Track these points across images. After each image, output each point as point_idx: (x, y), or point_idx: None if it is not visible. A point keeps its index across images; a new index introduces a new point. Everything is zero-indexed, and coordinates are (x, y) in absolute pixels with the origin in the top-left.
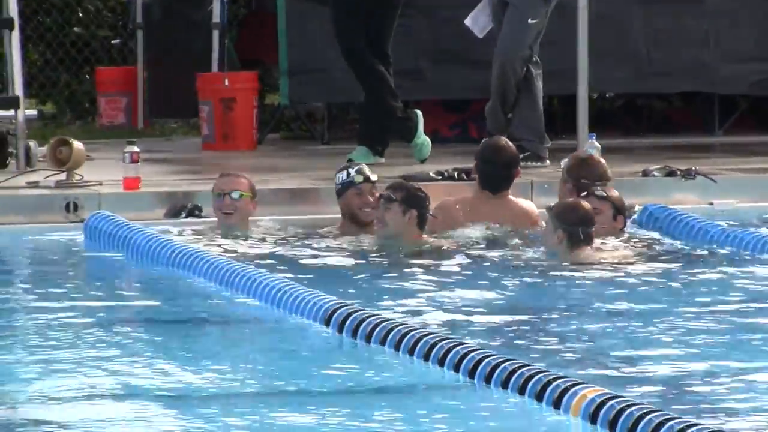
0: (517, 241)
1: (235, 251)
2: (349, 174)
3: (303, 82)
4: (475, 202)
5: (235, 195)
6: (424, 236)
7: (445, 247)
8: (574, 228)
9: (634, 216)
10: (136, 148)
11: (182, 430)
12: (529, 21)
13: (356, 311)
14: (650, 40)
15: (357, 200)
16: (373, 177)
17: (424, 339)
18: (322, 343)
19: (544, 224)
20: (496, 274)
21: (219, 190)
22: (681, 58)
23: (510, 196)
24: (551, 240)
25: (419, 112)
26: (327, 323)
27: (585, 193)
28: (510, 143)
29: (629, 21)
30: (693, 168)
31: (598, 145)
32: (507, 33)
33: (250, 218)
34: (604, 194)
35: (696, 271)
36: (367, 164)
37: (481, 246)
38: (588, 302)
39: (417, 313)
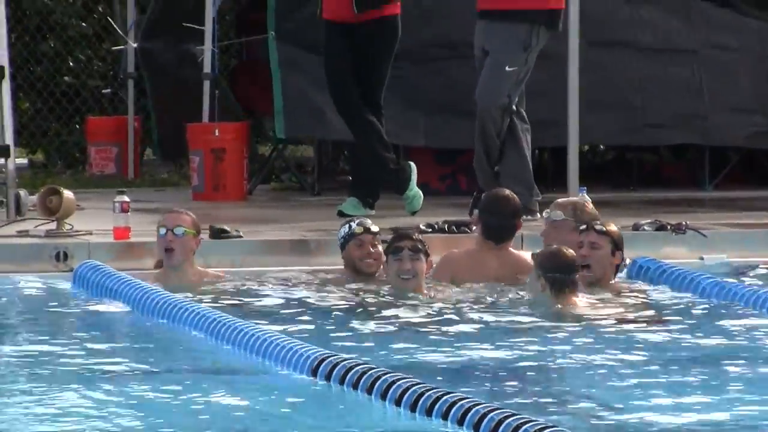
0: (514, 294)
1: (226, 303)
2: (350, 227)
3: (298, 116)
4: (480, 254)
5: (178, 231)
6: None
7: (447, 299)
8: (557, 275)
9: (624, 269)
10: (126, 198)
11: None
12: (507, 68)
13: (343, 361)
14: (642, 90)
15: (358, 252)
16: (374, 228)
17: (412, 389)
18: (311, 394)
19: None
20: (493, 329)
21: (162, 226)
22: (673, 109)
23: (511, 248)
24: (535, 288)
25: (413, 165)
26: (314, 374)
27: (584, 227)
28: (512, 194)
29: (621, 70)
30: (683, 222)
31: (589, 199)
32: (484, 81)
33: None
34: (604, 229)
35: (687, 322)
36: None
37: (482, 299)
38: (574, 354)
39: (411, 364)
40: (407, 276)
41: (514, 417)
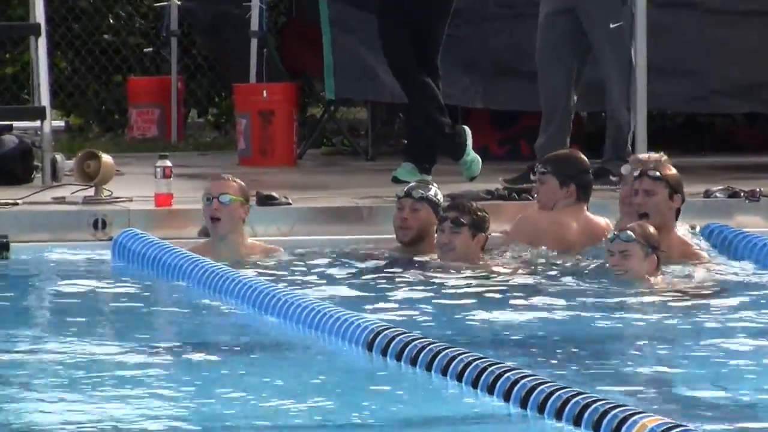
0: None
1: (271, 272)
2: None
3: (349, 78)
4: (561, 216)
5: (224, 199)
6: (486, 259)
7: (511, 270)
8: (660, 251)
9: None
10: (168, 163)
11: None
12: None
13: (401, 334)
14: (708, 55)
15: (395, 217)
16: (418, 193)
17: (474, 363)
18: (365, 369)
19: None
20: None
21: (207, 193)
22: (742, 75)
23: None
24: (642, 267)
25: (467, 129)
26: (370, 348)
27: (638, 172)
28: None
29: (686, 33)
30: (758, 189)
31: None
32: (613, 77)
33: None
34: (658, 174)
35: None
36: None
37: (555, 267)
38: (671, 330)
39: (473, 338)
40: (445, 249)
41: (583, 395)
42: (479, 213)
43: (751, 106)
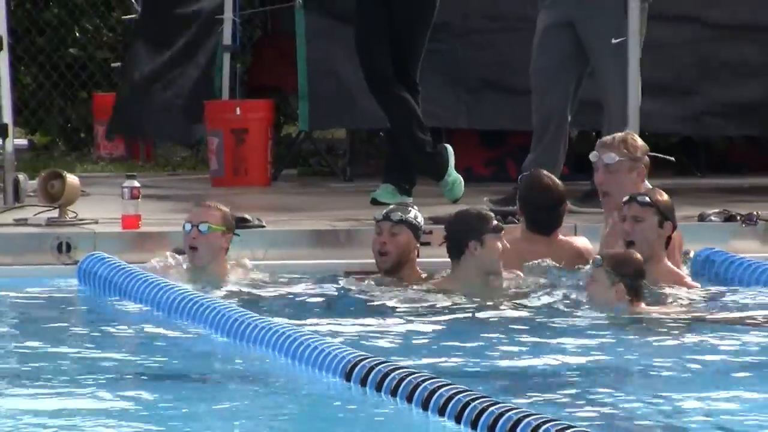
0: (569, 288)
1: (245, 298)
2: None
3: (324, 106)
4: (528, 244)
5: (203, 228)
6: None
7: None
8: (637, 282)
9: (688, 261)
10: (136, 183)
11: None
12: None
13: (380, 364)
14: (707, 72)
15: (374, 241)
16: (397, 216)
17: (457, 398)
18: (342, 399)
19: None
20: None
21: (187, 221)
22: (741, 95)
23: (560, 236)
24: (607, 295)
25: (450, 148)
26: (348, 378)
27: (626, 198)
28: (553, 178)
29: (684, 53)
30: (755, 213)
31: (650, 186)
32: (614, 96)
33: (237, 261)
34: (648, 199)
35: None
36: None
37: (535, 291)
38: (648, 361)
39: (451, 365)
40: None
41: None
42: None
43: (745, 129)
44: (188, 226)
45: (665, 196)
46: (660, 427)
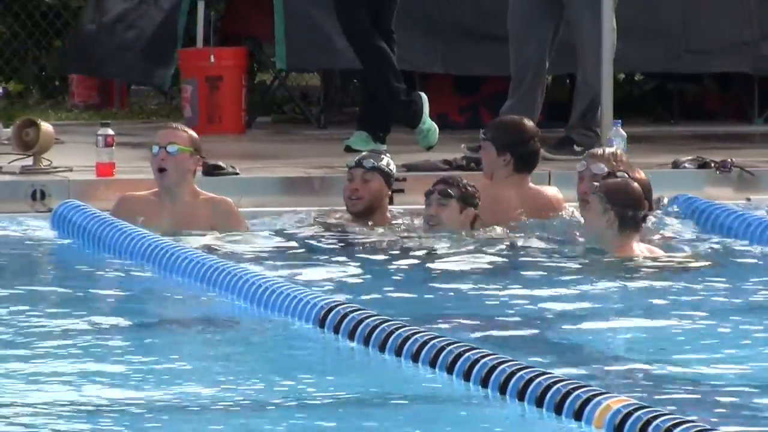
0: (548, 234)
1: (221, 248)
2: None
3: (301, 46)
4: (500, 189)
5: (171, 149)
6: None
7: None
8: (628, 212)
9: (663, 209)
10: (110, 131)
11: None
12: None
13: (355, 311)
14: (684, 12)
15: (346, 187)
16: (369, 163)
17: (431, 343)
18: (317, 348)
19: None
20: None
21: (155, 143)
22: (719, 34)
23: (531, 184)
24: (598, 223)
25: (424, 96)
26: (321, 325)
27: (606, 173)
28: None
29: None
30: (729, 160)
31: (624, 134)
32: (589, 44)
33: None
34: (626, 176)
35: (736, 267)
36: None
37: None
38: (630, 303)
39: (431, 314)
40: (432, 222)
41: (545, 376)
42: (468, 187)
43: (729, 65)
44: (156, 148)
45: (643, 175)
46: (638, 371)
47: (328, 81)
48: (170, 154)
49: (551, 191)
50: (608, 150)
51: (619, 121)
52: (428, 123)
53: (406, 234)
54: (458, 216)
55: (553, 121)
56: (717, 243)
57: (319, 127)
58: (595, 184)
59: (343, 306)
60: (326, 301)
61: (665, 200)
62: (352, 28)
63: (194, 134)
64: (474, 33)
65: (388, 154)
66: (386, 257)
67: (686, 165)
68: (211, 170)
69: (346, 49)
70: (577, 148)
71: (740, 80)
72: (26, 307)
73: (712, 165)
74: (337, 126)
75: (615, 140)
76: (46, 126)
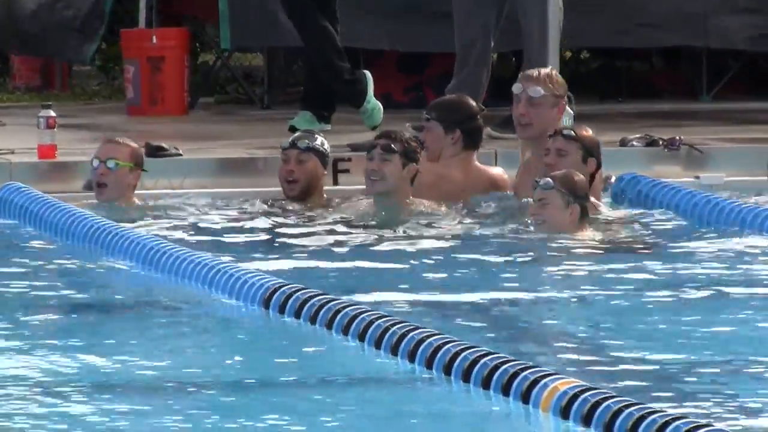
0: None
1: (162, 227)
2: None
3: (246, 24)
4: (444, 168)
5: (111, 164)
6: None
7: (444, 214)
8: (585, 201)
9: (609, 188)
10: (52, 113)
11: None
12: None
13: (298, 291)
14: None
15: (281, 170)
16: (305, 144)
17: (376, 323)
18: (263, 328)
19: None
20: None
21: (95, 157)
22: (669, 7)
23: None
24: (561, 218)
25: (369, 74)
26: (266, 305)
27: (552, 132)
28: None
29: None
30: (677, 137)
31: (572, 112)
32: (535, 21)
33: (137, 192)
34: (572, 134)
35: (681, 247)
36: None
37: (472, 216)
38: (575, 286)
39: (377, 295)
40: (373, 177)
41: (492, 356)
42: (411, 142)
43: (679, 39)
44: (96, 162)
45: (591, 133)
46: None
47: (271, 61)
48: (110, 170)
49: (496, 171)
50: (543, 71)
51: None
52: (373, 102)
53: (343, 215)
54: (400, 171)
55: (499, 100)
56: (663, 222)
57: (262, 108)
58: (547, 179)
59: (287, 287)
60: (271, 282)
61: (612, 179)
62: (294, 6)
63: (136, 147)
64: (421, 9)
65: (321, 134)
66: (325, 240)
67: (634, 143)
68: (154, 151)
69: (292, 28)
70: None
71: (688, 57)
72: None
73: (661, 143)
74: (281, 106)
75: (563, 118)
76: None
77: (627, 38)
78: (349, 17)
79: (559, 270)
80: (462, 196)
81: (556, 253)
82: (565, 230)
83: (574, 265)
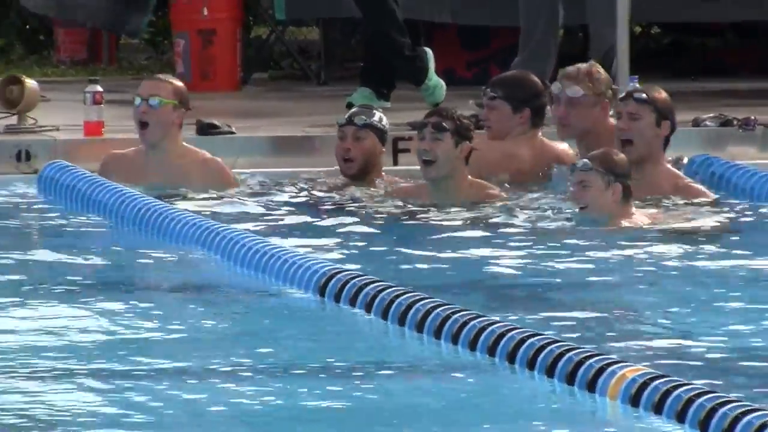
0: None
1: (214, 209)
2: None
3: None
4: (512, 145)
5: (153, 102)
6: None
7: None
8: (627, 179)
9: (682, 169)
10: (99, 88)
11: (167, 413)
12: None
13: (355, 277)
14: None
15: (338, 147)
16: (361, 120)
17: (435, 311)
18: (317, 315)
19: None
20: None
21: (137, 95)
22: None
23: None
24: (603, 200)
25: (429, 51)
26: (322, 293)
27: (623, 95)
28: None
29: None
30: (752, 117)
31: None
32: None
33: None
34: (644, 96)
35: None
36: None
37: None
38: (637, 272)
39: (433, 281)
40: (425, 157)
41: (558, 344)
42: (463, 120)
43: (755, 13)
44: (138, 100)
45: (664, 94)
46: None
47: (328, 34)
48: (152, 107)
49: (562, 146)
50: (583, 68)
51: (636, 77)
52: (434, 79)
53: (400, 197)
54: (453, 150)
55: None
56: (736, 207)
57: (318, 84)
58: (584, 161)
59: (344, 273)
60: (327, 268)
61: (685, 160)
62: None
63: (180, 85)
64: None
65: (380, 109)
66: (382, 222)
67: (707, 123)
68: (206, 129)
69: None
70: None
71: (764, 32)
72: (11, 272)
73: (735, 123)
74: (338, 82)
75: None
76: (30, 83)
77: (700, 12)
78: None
79: (611, 255)
80: (531, 174)
81: (603, 241)
82: (609, 212)
83: (624, 250)
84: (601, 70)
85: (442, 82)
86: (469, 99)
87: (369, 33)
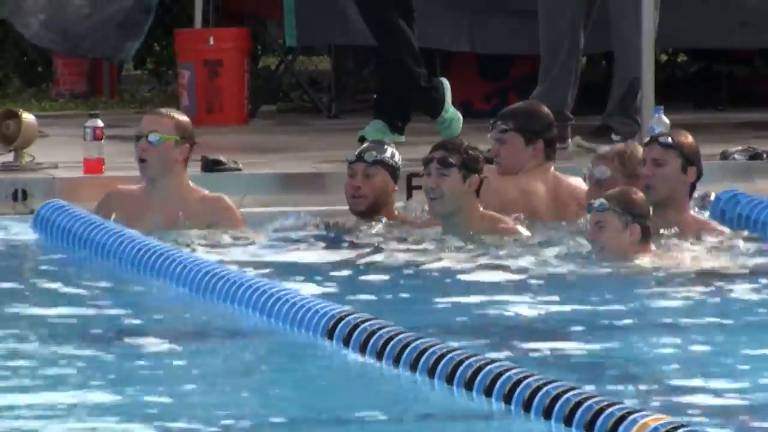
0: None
1: (219, 250)
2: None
3: (312, 19)
4: (530, 181)
5: (153, 138)
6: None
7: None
8: (645, 219)
9: (708, 205)
10: (99, 122)
11: None
12: None
13: (365, 321)
14: None
15: (347, 184)
16: (372, 156)
17: (449, 356)
18: (324, 361)
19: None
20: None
21: (137, 132)
22: None
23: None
24: (620, 241)
25: (446, 82)
26: (330, 336)
27: (647, 140)
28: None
29: None
30: None
31: (667, 122)
32: (627, 18)
33: (188, 177)
34: (670, 140)
35: None
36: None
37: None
38: (655, 315)
39: (443, 324)
40: (432, 195)
41: (575, 392)
42: (470, 151)
43: None
44: (137, 136)
45: (690, 138)
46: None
47: (340, 64)
48: (152, 144)
49: (576, 180)
50: (617, 149)
51: (661, 107)
52: (451, 111)
53: (409, 236)
54: (461, 185)
55: (588, 107)
56: (764, 248)
57: (329, 117)
58: (601, 200)
59: (353, 316)
60: (336, 311)
61: (712, 196)
62: (368, 4)
63: (183, 119)
64: (503, 7)
65: (392, 145)
66: (393, 261)
67: (736, 156)
68: (211, 166)
69: (363, 25)
70: (615, 137)
71: None
72: (8, 315)
73: (765, 156)
74: (350, 115)
75: (657, 128)
76: (28, 117)
77: (728, 39)
78: (423, 15)
79: (628, 299)
80: (548, 211)
81: (620, 284)
82: (626, 253)
83: (642, 292)
84: (637, 149)
85: (459, 115)
86: (488, 133)
87: (383, 63)
